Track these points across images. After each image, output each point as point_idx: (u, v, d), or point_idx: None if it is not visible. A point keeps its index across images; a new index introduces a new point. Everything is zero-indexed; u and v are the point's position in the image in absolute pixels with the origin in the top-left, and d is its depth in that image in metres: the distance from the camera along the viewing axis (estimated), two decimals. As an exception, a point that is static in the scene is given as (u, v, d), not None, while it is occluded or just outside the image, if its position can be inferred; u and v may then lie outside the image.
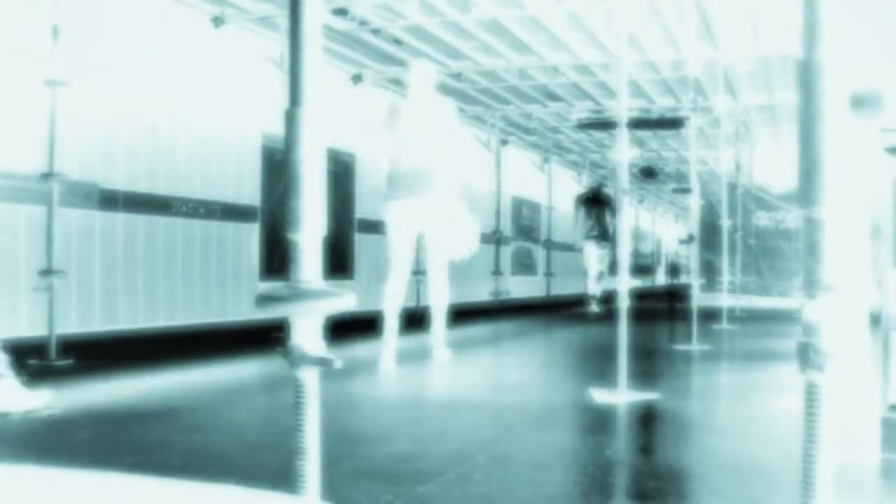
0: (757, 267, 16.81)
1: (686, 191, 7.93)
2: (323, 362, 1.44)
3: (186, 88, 7.43)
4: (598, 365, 4.93)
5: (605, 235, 11.18)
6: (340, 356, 1.44)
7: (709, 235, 13.98)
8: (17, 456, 2.63)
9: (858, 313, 2.52)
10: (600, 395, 3.85)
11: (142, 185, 6.99)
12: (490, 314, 10.79)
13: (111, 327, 6.64)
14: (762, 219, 17.36)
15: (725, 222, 9.16)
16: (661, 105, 11.52)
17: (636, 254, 23.71)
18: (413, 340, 5.70)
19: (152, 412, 3.58)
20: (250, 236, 8.29)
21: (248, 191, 8.29)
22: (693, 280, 7.81)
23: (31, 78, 5.23)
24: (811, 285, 1.32)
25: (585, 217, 11.17)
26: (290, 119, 1.46)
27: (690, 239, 7.61)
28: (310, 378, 1.45)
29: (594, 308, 11.11)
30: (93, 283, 6.53)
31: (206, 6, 7.60)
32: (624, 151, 4.09)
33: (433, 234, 5.20)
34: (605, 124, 12.18)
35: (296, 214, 1.45)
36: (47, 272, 5.05)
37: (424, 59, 6.52)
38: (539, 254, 17.25)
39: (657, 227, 30.08)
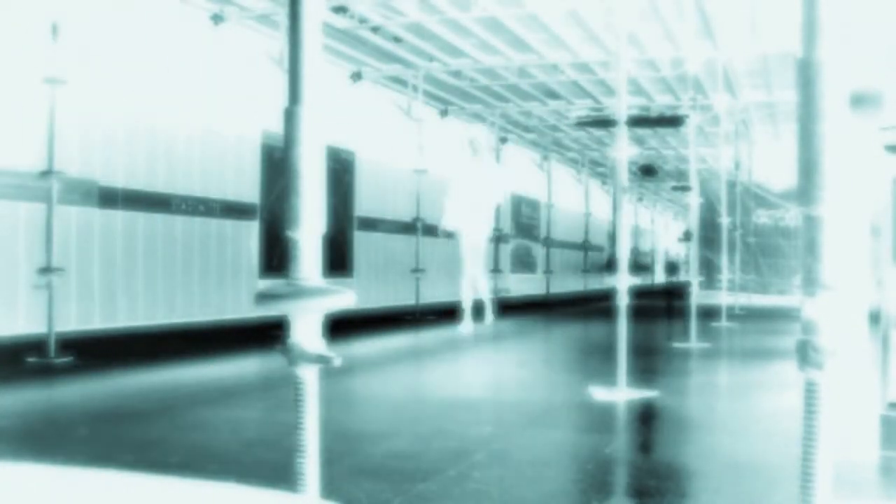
0: (756, 265, 16.83)
1: (685, 189, 7.93)
2: (322, 360, 1.44)
3: (186, 86, 7.42)
4: (598, 363, 4.93)
5: None
6: (340, 354, 1.45)
7: (708, 233, 14.00)
8: (16, 453, 2.63)
9: (858, 311, 2.52)
10: (599, 393, 3.85)
11: (141, 183, 6.99)
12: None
13: (110, 325, 6.64)
14: (761, 217, 17.38)
15: (725, 220, 9.15)
16: (661, 103, 11.52)
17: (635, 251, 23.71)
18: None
19: (152, 410, 3.58)
20: (250, 234, 8.29)
21: (248, 188, 8.28)
22: (692, 277, 7.81)
23: (31, 75, 5.23)
24: (810, 283, 1.32)
25: None
26: (290, 117, 1.46)
27: (688, 236, 7.60)
28: (309, 376, 1.46)
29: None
30: (92, 280, 6.53)
31: (206, 3, 7.59)
32: (623, 149, 4.09)
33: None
34: (605, 122, 12.17)
35: (295, 212, 1.45)
36: (46, 270, 5.04)
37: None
38: (538, 251, 17.24)
39: (656, 225, 30.09)
